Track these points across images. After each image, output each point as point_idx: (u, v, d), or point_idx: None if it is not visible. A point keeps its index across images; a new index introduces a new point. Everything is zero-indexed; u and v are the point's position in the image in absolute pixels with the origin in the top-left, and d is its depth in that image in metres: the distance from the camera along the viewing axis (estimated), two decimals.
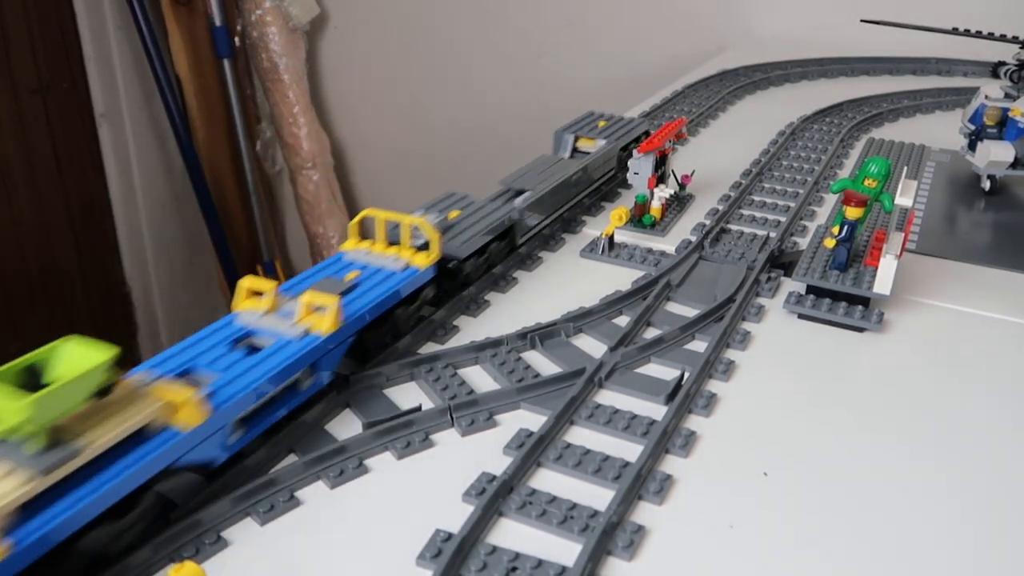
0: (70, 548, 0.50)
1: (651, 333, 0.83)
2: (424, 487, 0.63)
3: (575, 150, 1.15)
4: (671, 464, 0.66)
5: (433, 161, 2.65)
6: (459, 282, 0.87)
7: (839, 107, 1.56)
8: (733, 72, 1.78)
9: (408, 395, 0.74)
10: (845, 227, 0.88)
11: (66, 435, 0.50)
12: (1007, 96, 1.19)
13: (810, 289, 0.89)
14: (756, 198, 1.16)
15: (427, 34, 2.51)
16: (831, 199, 1.16)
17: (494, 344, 0.79)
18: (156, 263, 2.68)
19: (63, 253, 2.44)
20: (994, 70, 1.29)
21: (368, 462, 0.65)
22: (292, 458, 0.65)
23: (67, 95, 2.37)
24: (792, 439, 0.70)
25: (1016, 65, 1.22)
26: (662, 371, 0.77)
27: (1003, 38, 1.25)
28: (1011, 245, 1.08)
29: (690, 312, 0.87)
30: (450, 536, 0.57)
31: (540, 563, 0.55)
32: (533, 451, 0.65)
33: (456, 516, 0.58)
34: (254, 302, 0.70)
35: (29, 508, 0.47)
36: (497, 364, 0.77)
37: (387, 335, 0.77)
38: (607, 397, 0.74)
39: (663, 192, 1.08)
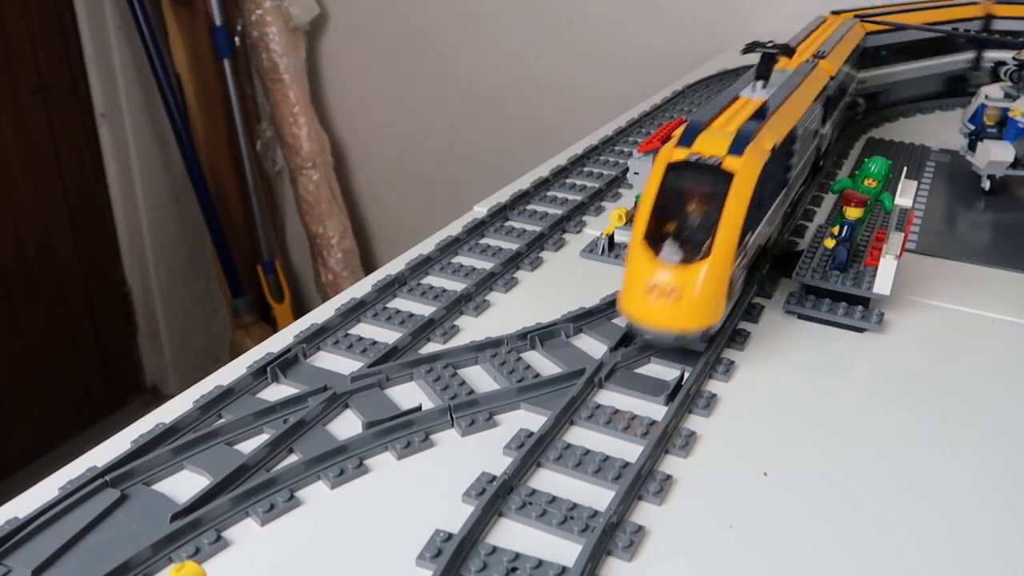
0: None
1: None
2: (424, 487, 0.63)
3: None
4: (671, 464, 0.66)
5: (433, 161, 2.65)
6: None
7: None
8: (733, 72, 1.78)
9: (408, 395, 0.74)
10: (845, 227, 0.88)
11: None
12: (1007, 96, 1.19)
13: (810, 289, 0.89)
14: None
15: (427, 34, 2.51)
16: (831, 199, 1.16)
17: (494, 344, 0.79)
18: (156, 263, 2.68)
19: (63, 253, 2.44)
20: (994, 70, 1.29)
21: (368, 462, 0.65)
22: (292, 458, 0.65)
23: (67, 95, 2.38)
24: (792, 439, 0.70)
25: (1016, 65, 1.22)
26: (662, 371, 0.77)
27: (1003, 38, 1.25)
28: (1011, 245, 1.08)
29: None
30: (450, 536, 0.57)
31: (540, 563, 0.55)
32: (533, 451, 0.65)
33: (456, 516, 0.58)
34: None
35: None
36: (497, 364, 0.77)
37: None
38: (607, 397, 0.74)
39: None
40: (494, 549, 0.56)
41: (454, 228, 1.05)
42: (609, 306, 0.86)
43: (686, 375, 0.75)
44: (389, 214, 2.84)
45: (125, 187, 2.56)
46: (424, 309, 0.87)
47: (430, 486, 0.63)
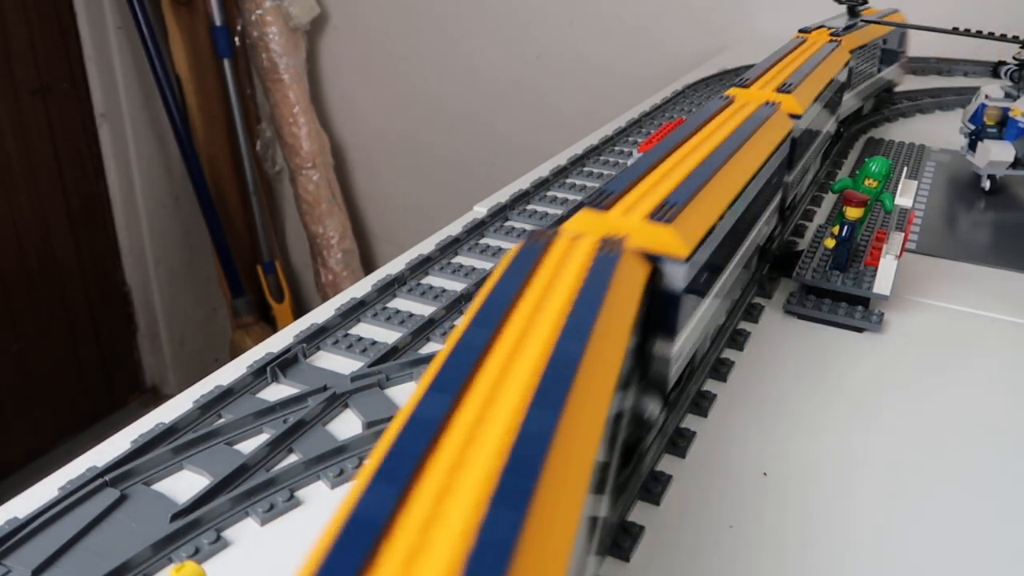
0: None
1: None
2: None
3: None
4: (671, 464, 0.66)
5: (434, 161, 2.65)
6: None
7: None
8: (733, 72, 1.78)
9: (408, 395, 0.73)
10: (845, 227, 0.88)
11: None
12: (1007, 96, 1.19)
13: (810, 289, 0.89)
14: None
15: (427, 34, 2.51)
16: (831, 199, 1.16)
17: None
18: (156, 263, 2.68)
19: (63, 253, 2.44)
20: (994, 70, 1.29)
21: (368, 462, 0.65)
22: (292, 458, 0.65)
23: (67, 95, 2.38)
24: (792, 439, 0.70)
25: (1016, 65, 1.22)
26: None
27: (1003, 38, 1.25)
28: (1011, 245, 1.08)
29: None
30: None
31: None
32: None
33: None
34: None
35: None
36: None
37: None
38: None
39: None
40: None
41: (454, 228, 1.05)
42: None
43: (686, 375, 0.75)
44: (389, 214, 2.84)
45: (125, 187, 2.56)
46: (424, 309, 0.87)
47: None
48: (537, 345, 0.39)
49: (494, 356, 0.38)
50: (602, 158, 1.31)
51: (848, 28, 1.24)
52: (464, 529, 0.28)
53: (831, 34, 1.19)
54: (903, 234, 0.88)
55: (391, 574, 0.26)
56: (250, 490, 0.60)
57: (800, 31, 1.21)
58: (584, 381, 0.37)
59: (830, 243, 0.89)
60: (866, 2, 1.37)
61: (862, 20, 1.34)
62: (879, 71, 1.41)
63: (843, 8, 1.37)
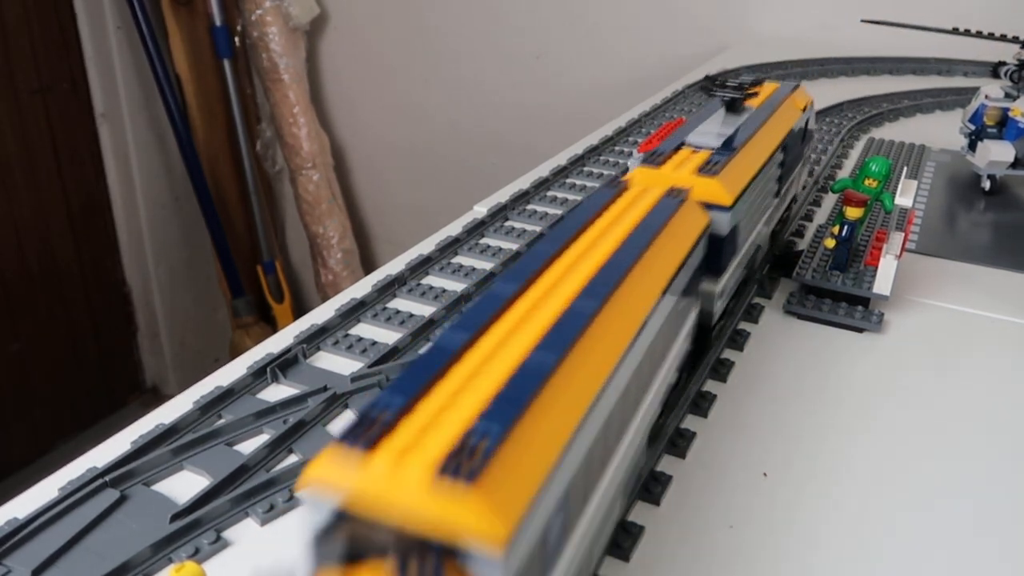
0: None
1: None
2: None
3: None
4: (671, 464, 0.66)
5: (433, 161, 2.65)
6: None
7: (839, 107, 1.56)
8: (733, 72, 1.78)
9: None
10: (845, 227, 0.88)
11: None
12: (1007, 96, 1.19)
13: (810, 289, 0.89)
14: None
15: (427, 34, 2.51)
16: (831, 199, 1.16)
17: None
18: (156, 263, 2.68)
19: (63, 253, 2.44)
20: (994, 70, 1.29)
21: None
22: (292, 458, 0.65)
23: (67, 95, 2.38)
24: (791, 439, 0.70)
25: (1016, 65, 1.22)
26: None
27: (1003, 38, 1.25)
28: (1011, 245, 1.08)
29: None
30: None
31: None
32: None
33: None
34: None
35: None
36: None
37: None
38: None
39: None
40: None
41: (454, 228, 1.05)
42: None
43: (685, 375, 0.75)
44: (389, 214, 2.84)
45: (125, 187, 2.56)
46: (424, 309, 0.87)
47: None
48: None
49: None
50: (602, 158, 1.31)
51: (731, 143, 0.72)
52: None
53: (701, 169, 0.66)
54: (903, 234, 0.89)
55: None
56: (250, 490, 0.60)
57: (645, 159, 0.69)
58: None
59: (830, 243, 0.89)
60: (756, 91, 0.85)
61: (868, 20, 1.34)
62: (782, 185, 0.89)
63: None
